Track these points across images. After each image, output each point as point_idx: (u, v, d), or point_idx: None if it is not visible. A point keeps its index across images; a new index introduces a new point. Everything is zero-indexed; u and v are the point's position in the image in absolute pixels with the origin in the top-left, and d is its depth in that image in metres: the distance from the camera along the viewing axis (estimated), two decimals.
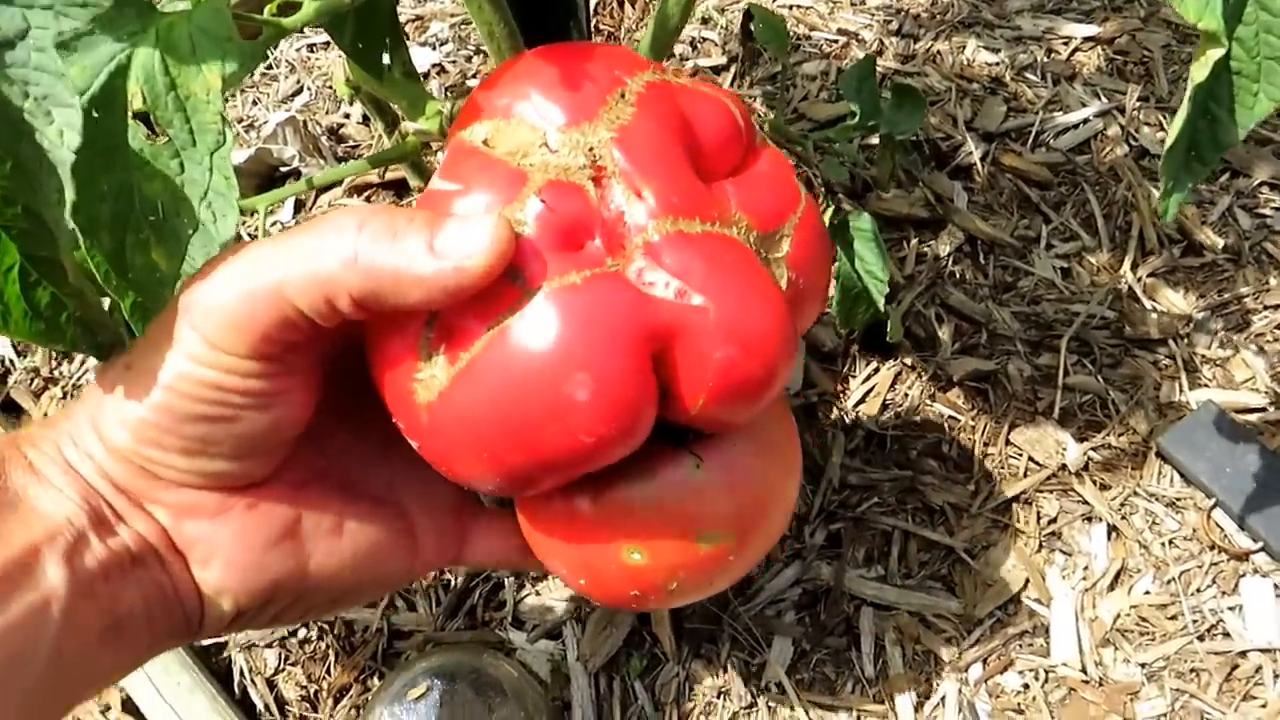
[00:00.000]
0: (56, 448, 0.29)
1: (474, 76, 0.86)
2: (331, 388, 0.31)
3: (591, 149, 0.28)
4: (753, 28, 0.60)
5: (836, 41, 0.86)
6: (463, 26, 0.89)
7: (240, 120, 0.84)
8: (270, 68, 0.89)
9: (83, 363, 0.70)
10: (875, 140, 0.58)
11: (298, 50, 0.90)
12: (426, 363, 0.27)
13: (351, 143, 0.82)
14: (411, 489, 0.34)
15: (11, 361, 0.71)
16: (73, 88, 0.23)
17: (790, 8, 0.89)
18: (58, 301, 0.30)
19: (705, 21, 0.88)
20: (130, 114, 0.30)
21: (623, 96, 0.30)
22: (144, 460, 0.29)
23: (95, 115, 0.28)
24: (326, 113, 0.84)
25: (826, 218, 0.50)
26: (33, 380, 0.70)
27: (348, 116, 0.83)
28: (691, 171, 0.30)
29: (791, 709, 0.54)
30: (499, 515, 0.36)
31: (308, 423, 0.30)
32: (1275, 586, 0.56)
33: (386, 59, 0.50)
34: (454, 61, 0.87)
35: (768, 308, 0.28)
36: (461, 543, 0.35)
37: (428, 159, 0.78)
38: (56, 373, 0.70)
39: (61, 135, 0.24)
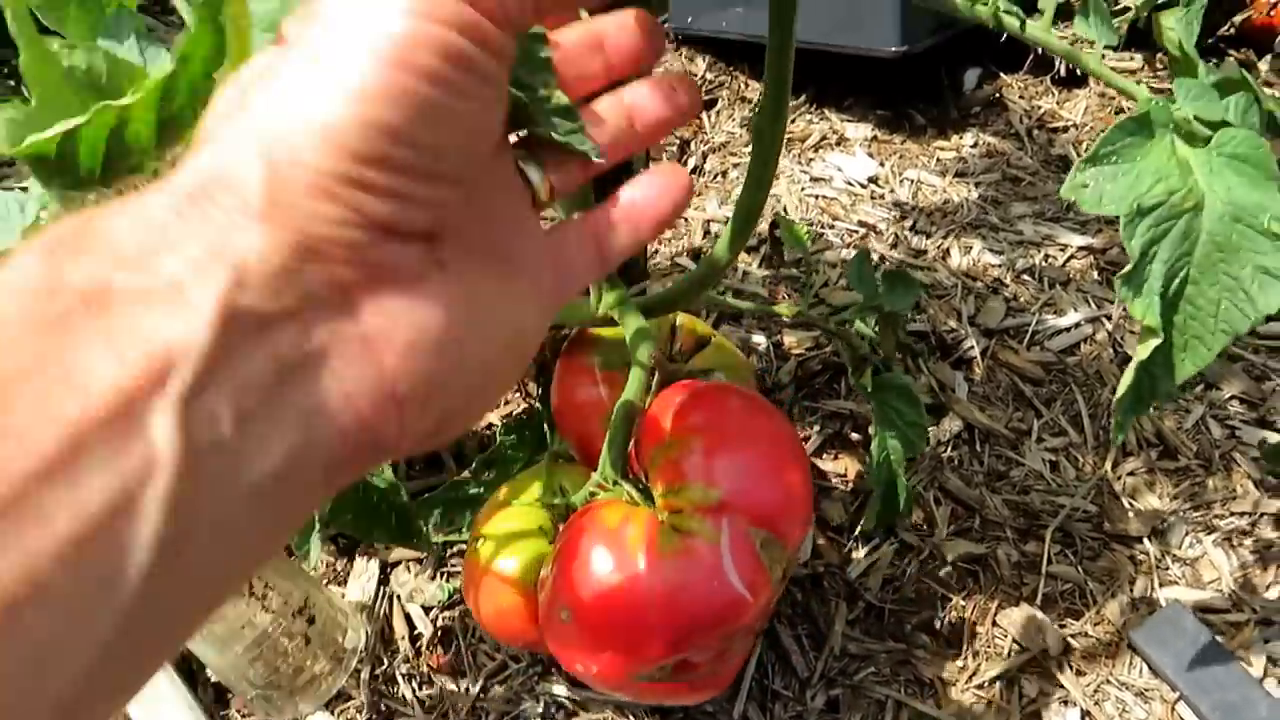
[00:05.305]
0: (177, 211, 0.21)
1: None
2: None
3: None
4: (778, 234, 0.70)
5: (856, 232, 0.96)
6: None
7: None
8: None
9: None
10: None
11: None
12: None
13: None
14: (532, 253, 0.31)
15: None
16: None
17: (816, 198, 1.00)
18: (383, 496, 0.40)
19: None
20: None
21: None
22: (338, 184, 0.23)
23: None
24: None
25: (868, 381, 0.63)
26: None
27: None
28: None
29: None
30: (575, 227, 0.33)
31: (490, 145, 0.28)
32: None
33: None
34: None
35: None
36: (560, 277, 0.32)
37: None
38: None
39: None
